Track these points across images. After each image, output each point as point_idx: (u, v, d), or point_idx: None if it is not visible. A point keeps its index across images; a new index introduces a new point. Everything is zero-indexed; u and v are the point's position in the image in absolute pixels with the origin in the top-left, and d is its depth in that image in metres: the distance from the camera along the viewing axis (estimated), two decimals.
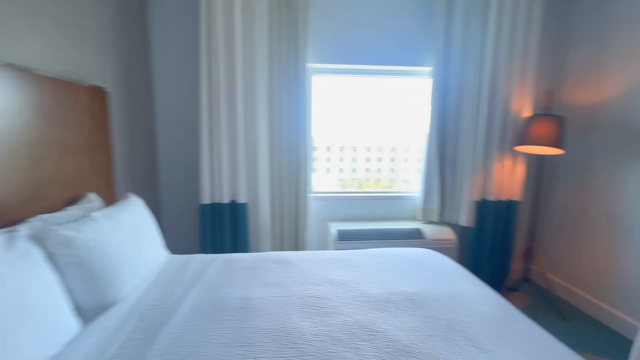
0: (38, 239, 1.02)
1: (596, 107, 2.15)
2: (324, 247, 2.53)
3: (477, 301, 1.17)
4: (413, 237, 2.29)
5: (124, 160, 1.94)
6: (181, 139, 2.37)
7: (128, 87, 1.98)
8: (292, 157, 2.29)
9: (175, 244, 2.46)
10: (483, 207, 2.37)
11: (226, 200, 2.20)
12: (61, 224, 1.11)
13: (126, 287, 1.19)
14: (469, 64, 2.26)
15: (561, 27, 2.40)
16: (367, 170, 2.73)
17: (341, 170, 2.72)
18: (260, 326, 1.04)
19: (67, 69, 1.44)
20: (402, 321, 1.08)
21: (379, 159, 2.73)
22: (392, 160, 2.74)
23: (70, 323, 0.97)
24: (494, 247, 2.40)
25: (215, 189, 2.19)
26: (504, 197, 2.36)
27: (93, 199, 1.45)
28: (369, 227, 2.36)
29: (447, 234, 2.33)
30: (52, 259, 1.03)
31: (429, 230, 2.34)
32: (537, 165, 2.33)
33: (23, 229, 0.99)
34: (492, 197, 2.34)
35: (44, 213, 1.17)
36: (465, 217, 2.35)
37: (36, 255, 0.95)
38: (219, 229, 2.22)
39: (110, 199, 1.70)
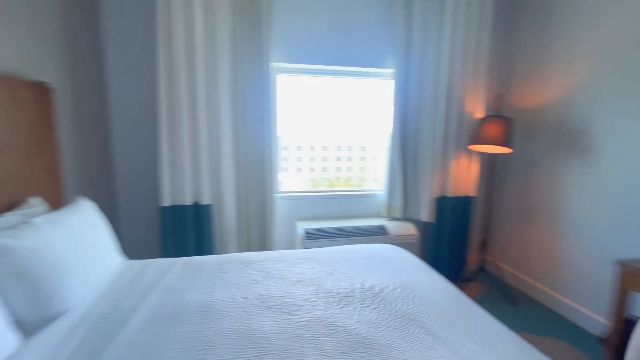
0: None
1: (539, 109, 2.35)
2: (291, 246, 2.54)
3: (431, 292, 1.24)
4: (378, 234, 2.36)
5: (74, 161, 1.81)
6: (139, 140, 2.26)
7: (78, 84, 1.85)
8: (257, 157, 2.27)
9: (135, 249, 2.33)
10: (442, 203, 2.50)
11: (188, 202, 2.13)
12: None
13: (74, 297, 1.12)
14: (427, 68, 2.37)
15: (508, 35, 2.59)
16: (338, 169, 2.77)
17: (312, 169, 2.74)
18: (221, 328, 1.03)
19: (3, 62, 1.32)
20: (361, 314, 1.11)
21: (349, 158, 2.78)
22: (362, 159, 2.80)
23: (8, 338, 0.89)
24: (453, 240, 2.54)
25: (176, 190, 2.11)
26: (460, 193, 2.51)
27: (36, 203, 1.34)
28: (336, 225, 2.40)
29: (410, 229, 2.43)
30: None
31: (392, 226, 2.42)
32: (489, 163, 2.50)
33: None
34: (450, 193, 2.48)
35: None
36: (426, 212, 2.47)
37: None
38: (181, 231, 2.15)
39: (57, 203, 1.58)
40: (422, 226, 2.63)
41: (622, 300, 1.37)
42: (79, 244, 1.20)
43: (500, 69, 2.64)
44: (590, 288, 2.00)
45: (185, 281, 1.35)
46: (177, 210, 2.13)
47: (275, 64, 2.31)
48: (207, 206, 2.17)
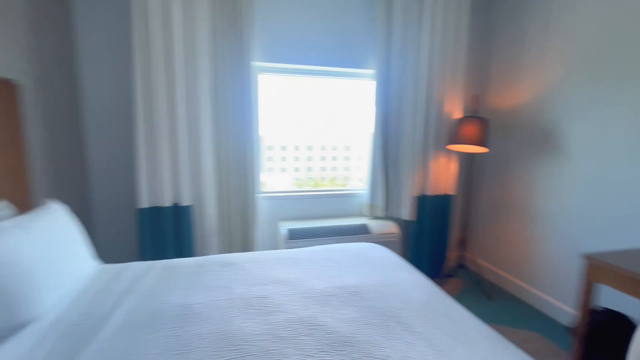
0: None
1: (513, 111, 2.44)
2: (274, 246, 2.52)
3: (410, 288, 1.27)
4: (360, 233, 2.39)
5: (43, 162, 1.73)
6: (115, 140, 2.19)
7: (48, 82, 1.77)
8: (239, 157, 2.24)
9: (111, 253, 2.26)
10: (423, 202, 2.56)
11: (168, 203, 2.08)
12: None
13: (43, 304, 1.07)
14: (407, 69, 2.41)
15: (484, 39, 2.68)
16: (323, 169, 2.77)
17: (297, 169, 2.73)
18: (200, 332, 1.01)
19: None
20: (342, 313, 1.12)
21: (334, 158, 2.79)
22: (347, 159, 2.82)
23: None
24: (433, 238, 2.60)
25: (154, 191, 2.06)
26: (440, 192, 2.58)
27: (1, 206, 1.27)
28: (319, 224, 2.41)
29: (392, 228, 2.47)
30: None
31: (375, 225, 2.46)
32: (467, 162, 2.58)
33: None
34: (430, 192, 2.53)
35: None
36: (407, 211, 2.52)
37: None
38: (160, 234, 2.09)
39: (25, 206, 1.50)
40: (404, 224, 2.68)
41: (588, 291, 1.44)
42: (48, 248, 1.15)
43: (477, 71, 2.72)
44: (560, 281, 2.10)
45: (163, 284, 1.32)
46: (155, 212, 2.08)
47: (256, 63, 2.29)
48: (187, 207, 2.12)
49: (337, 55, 2.42)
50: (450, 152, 2.55)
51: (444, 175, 2.57)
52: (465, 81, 2.68)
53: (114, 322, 1.05)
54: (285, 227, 2.34)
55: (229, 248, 2.31)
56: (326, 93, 2.63)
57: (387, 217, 2.64)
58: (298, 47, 2.34)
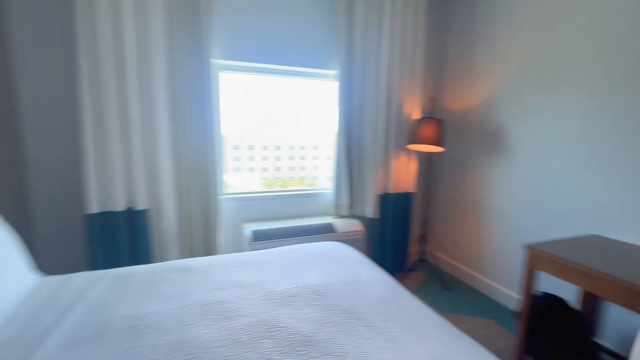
0: None
1: (466, 112, 2.61)
2: (238, 249, 2.47)
3: (370, 284, 1.30)
4: (325, 232, 2.42)
5: None
6: (58, 141, 2.01)
7: None
8: (200, 157, 2.16)
9: (55, 264, 2.07)
10: (385, 200, 2.64)
11: (121, 207, 1.95)
12: None
13: None
14: (368, 71, 2.48)
15: (440, 45, 2.82)
16: (292, 168, 2.75)
17: (265, 169, 2.68)
18: (153, 342, 0.96)
19: None
20: (304, 313, 1.13)
21: (302, 157, 2.78)
22: (315, 158, 2.82)
23: None
24: (396, 234, 2.70)
25: (105, 195, 1.93)
26: (401, 189, 2.68)
27: None
28: (284, 225, 2.39)
29: (356, 226, 2.53)
30: None
31: (340, 223, 2.49)
32: (426, 161, 2.70)
33: None
34: (392, 190, 2.62)
35: None
36: (371, 209, 2.59)
37: None
38: (112, 241, 1.96)
39: None
40: (368, 222, 2.75)
41: (529, 278, 1.58)
42: None
43: (434, 75, 2.86)
44: (508, 269, 2.28)
45: (114, 295, 1.24)
46: (107, 218, 1.94)
47: (217, 61, 2.22)
48: (143, 211, 2.01)
49: (300, 55, 2.42)
50: (410, 151, 2.66)
51: (404, 173, 2.67)
52: (423, 84, 2.81)
53: (54, 339, 0.97)
54: (249, 228, 2.30)
55: (190, 253, 2.22)
56: (293, 92, 2.62)
57: (352, 216, 2.69)
58: (261, 45, 2.31)
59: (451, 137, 2.76)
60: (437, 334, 1.03)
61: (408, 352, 0.94)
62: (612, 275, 1.24)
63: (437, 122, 2.39)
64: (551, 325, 1.63)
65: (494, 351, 1.81)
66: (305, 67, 2.45)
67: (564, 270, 1.43)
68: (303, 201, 2.64)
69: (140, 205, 1.99)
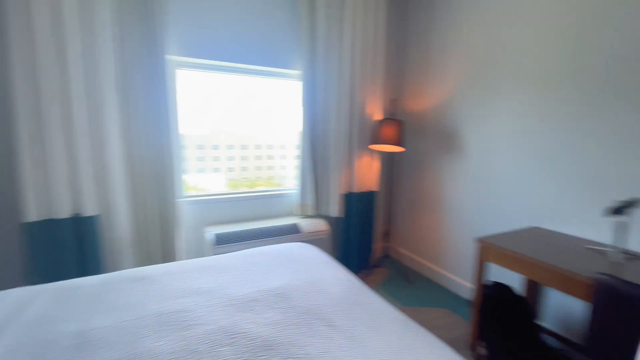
0: None
1: (424, 114, 2.73)
2: (200, 254, 2.38)
3: (332, 284, 1.32)
4: (291, 233, 2.40)
5: None
6: None
7: None
8: (156, 158, 2.05)
9: None
10: (349, 199, 2.69)
11: (65, 214, 1.79)
12: None
13: None
14: (331, 72, 2.50)
15: (400, 48, 2.93)
16: (259, 168, 2.69)
17: (231, 169, 2.59)
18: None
19: None
20: (265, 317, 1.11)
21: (270, 157, 2.72)
22: (283, 157, 2.78)
23: None
24: (360, 232, 2.76)
25: (46, 202, 1.76)
26: (365, 188, 2.74)
27: None
28: (249, 227, 2.35)
29: (321, 225, 2.54)
30: None
31: (305, 224, 2.50)
32: (388, 160, 2.79)
33: None
34: (356, 189, 2.68)
35: None
36: (335, 208, 2.62)
37: None
38: (55, 251, 1.79)
39: None
40: (333, 221, 2.79)
41: (480, 269, 1.70)
42: None
43: (394, 77, 2.96)
44: (463, 261, 2.43)
45: (56, 311, 1.14)
46: (48, 226, 1.77)
47: (174, 57, 2.12)
48: (92, 218, 1.86)
49: (263, 54, 2.38)
50: (372, 151, 2.73)
51: (367, 173, 2.74)
52: (384, 85, 2.90)
53: None
54: (212, 232, 2.22)
55: (147, 260, 2.10)
56: (258, 92, 2.57)
57: (318, 216, 2.71)
58: (221, 43, 2.23)
59: (411, 138, 2.88)
60: (396, 330, 1.06)
61: (368, 348, 0.97)
62: (550, 264, 1.37)
63: (397, 123, 2.48)
64: (500, 312, 1.76)
65: (451, 339, 1.92)
66: (269, 66, 2.42)
67: (509, 261, 1.55)
68: (269, 202, 2.60)
69: (89, 211, 1.84)
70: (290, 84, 2.64)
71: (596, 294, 1.18)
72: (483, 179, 2.24)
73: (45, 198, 1.76)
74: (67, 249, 1.82)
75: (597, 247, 1.54)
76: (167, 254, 2.13)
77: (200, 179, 2.49)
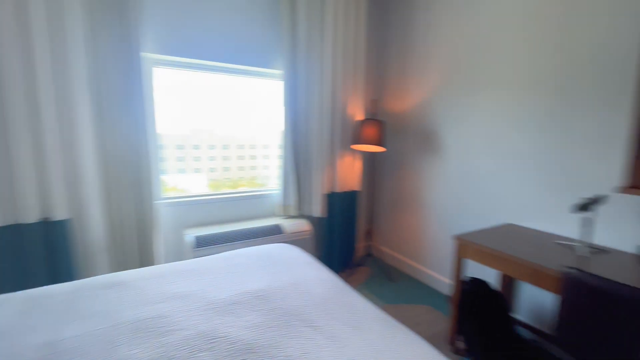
0: None
1: (405, 114, 2.78)
2: (180, 257, 2.32)
3: (315, 285, 1.32)
4: (273, 233, 2.39)
5: None
6: None
7: None
8: (132, 159, 1.98)
9: None
10: (332, 199, 2.70)
11: (33, 219, 1.70)
12: None
13: None
14: (313, 72, 2.50)
15: (380, 48, 2.97)
16: (241, 168, 2.64)
17: (213, 169, 2.53)
18: None
19: None
20: (246, 320, 1.10)
21: (253, 157, 2.68)
22: (266, 157, 2.75)
23: None
24: (343, 232, 2.78)
25: (12, 206, 1.66)
26: (347, 188, 2.76)
27: None
28: (230, 229, 2.31)
29: (304, 226, 2.54)
30: None
31: (288, 224, 2.48)
32: (369, 160, 2.82)
33: None
34: (338, 189, 2.69)
35: None
36: (318, 208, 2.62)
37: None
38: (22, 258, 1.70)
39: None
40: (316, 221, 2.79)
41: (458, 265, 1.75)
42: None
43: (375, 77, 3.00)
44: (442, 258, 2.49)
45: (22, 321, 1.08)
46: (14, 231, 1.68)
47: (150, 55, 2.05)
48: (63, 222, 1.78)
49: (243, 53, 2.35)
50: (354, 151, 2.75)
51: (350, 173, 2.76)
52: (365, 86, 2.92)
53: None
54: (192, 234, 2.17)
55: (123, 265, 2.03)
56: (240, 91, 2.53)
57: (300, 216, 2.70)
58: (201, 41, 2.18)
59: (392, 138, 2.92)
60: (377, 328, 1.08)
61: (349, 348, 0.98)
62: (522, 259, 1.43)
63: (378, 123, 2.51)
64: (477, 307, 1.82)
65: (432, 335, 1.96)
66: (249, 65, 2.39)
67: (485, 257, 1.61)
68: (251, 203, 2.57)
69: (59, 215, 1.76)
70: (272, 83, 2.62)
71: (564, 287, 1.24)
72: (461, 178, 2.30)
73: (10, 202, 1.66)
74: (36, 255, 1.73)
75: (565, 242, 1.62)
76: (144, 259, 2.07)
77: (181, 180, 2.43)
